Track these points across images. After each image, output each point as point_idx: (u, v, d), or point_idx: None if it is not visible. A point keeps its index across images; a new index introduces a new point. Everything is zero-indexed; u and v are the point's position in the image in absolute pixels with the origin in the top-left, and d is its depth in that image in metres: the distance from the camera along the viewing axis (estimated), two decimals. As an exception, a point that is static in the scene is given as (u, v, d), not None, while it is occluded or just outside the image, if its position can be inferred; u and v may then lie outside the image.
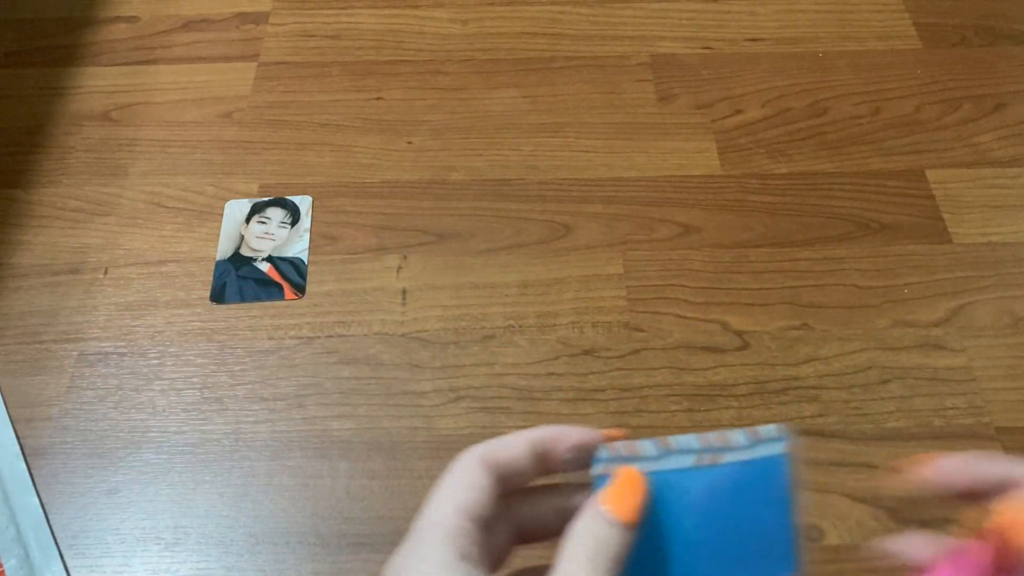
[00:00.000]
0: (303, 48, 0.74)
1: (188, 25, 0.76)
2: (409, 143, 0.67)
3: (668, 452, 0.27)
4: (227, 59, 0.73)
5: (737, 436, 0.27)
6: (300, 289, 0.59)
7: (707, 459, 0.27)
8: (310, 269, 0.60)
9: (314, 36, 0.75)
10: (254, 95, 0.70)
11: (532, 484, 0.28)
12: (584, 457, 0.27)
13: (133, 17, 0.76)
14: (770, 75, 0.71)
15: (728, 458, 0.27)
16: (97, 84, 0.71)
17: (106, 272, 0.60)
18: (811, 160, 0.65)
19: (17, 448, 0.52)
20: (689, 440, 0.27)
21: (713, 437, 0.27)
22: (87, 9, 0.77)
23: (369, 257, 0.60)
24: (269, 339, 0.56)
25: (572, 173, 0.65)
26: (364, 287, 0.59)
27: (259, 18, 0.76)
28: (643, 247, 0.60)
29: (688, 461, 0.27)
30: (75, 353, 0.56)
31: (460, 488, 0.26)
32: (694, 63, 0.72)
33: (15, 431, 0.53)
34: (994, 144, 0.66)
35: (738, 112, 0.68)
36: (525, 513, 0.28)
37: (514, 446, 0.27)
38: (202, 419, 0.53)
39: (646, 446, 0.27)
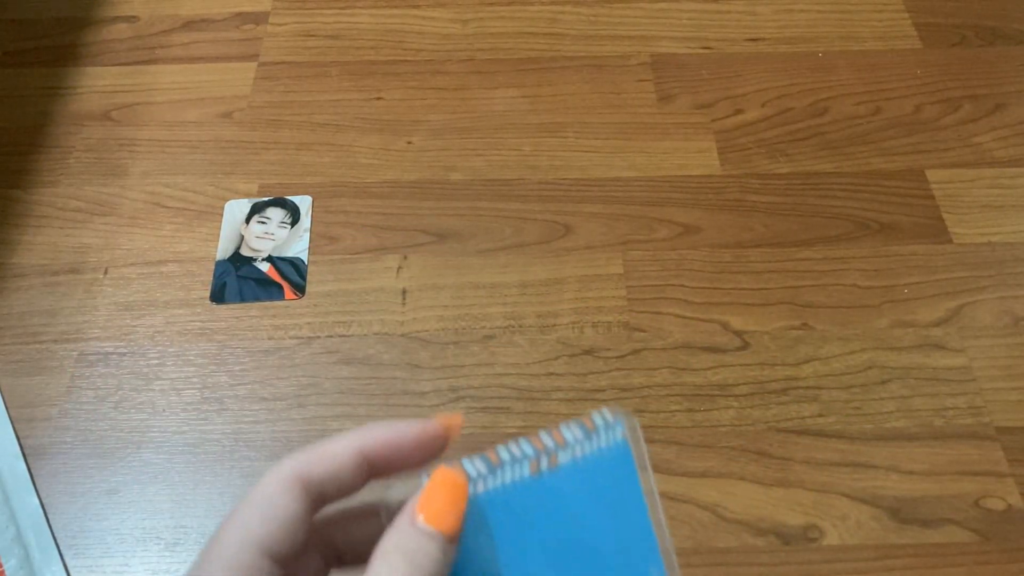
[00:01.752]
0: (303, 48, 0.74)
1: (188, 25, 0.76)
2: (409, 143, 0.67)
3: (498, 466, 0.24)
4: (227, 59, 0.73)
5: (571, 431, 0.24)
6: (300, 289, 0.59)
7: (544, 463, 0.24)
8: (310, 269, 0.60)
9: (314, 36, 0.75)
10: (254, 95, 0.70)
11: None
12: (422, 459, 0.24)
13: (133, 17, 0.76)
14: (770, 75, 0.71)
15: (565, 457, 0.24)
16: (97, 84, 0.71)
17: (106, 272, 0.60)
18: (811, 160, 0.65)
19: (17, 448, 0.52)
20: (521, 447, 0.24)
21: (547, 438, 0.24)
22: (87, 9, 0.77)
23: (369, 257, 0.60)
24: (269, 339, 0.56)
25: (572, 173, 0.65)
26: (364, 287, 0.59)
27: (259, 18, 0.76)
28: (643, 247, 0.60)
29: (524, 470, 0.24)
30: (75, 353, 0.56)
31: (258, 519, 0.22)
32: (694, 63, 0.72)
33: (15, 431, 0.53)
34: (994, 144, 0.66)
35: (738, 112, 0.68)
36: (341, 537, 0.25)
37: (336, 457, 0.23)
38: (202, 419, 0.53)
39: (474, 464, 0.24)
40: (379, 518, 0.23)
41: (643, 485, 0.24)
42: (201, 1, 0.77)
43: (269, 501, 0.22)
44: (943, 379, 0.54)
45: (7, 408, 0.54)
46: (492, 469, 0.24)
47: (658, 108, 0.69)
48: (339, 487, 0.23)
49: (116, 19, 0.76)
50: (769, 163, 0.65)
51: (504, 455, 0.24)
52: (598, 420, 0.25)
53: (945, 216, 0.62)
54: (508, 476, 0.24)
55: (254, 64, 0.72)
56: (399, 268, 0.60)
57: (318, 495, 0.22)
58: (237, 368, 0.55)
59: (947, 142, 0.66)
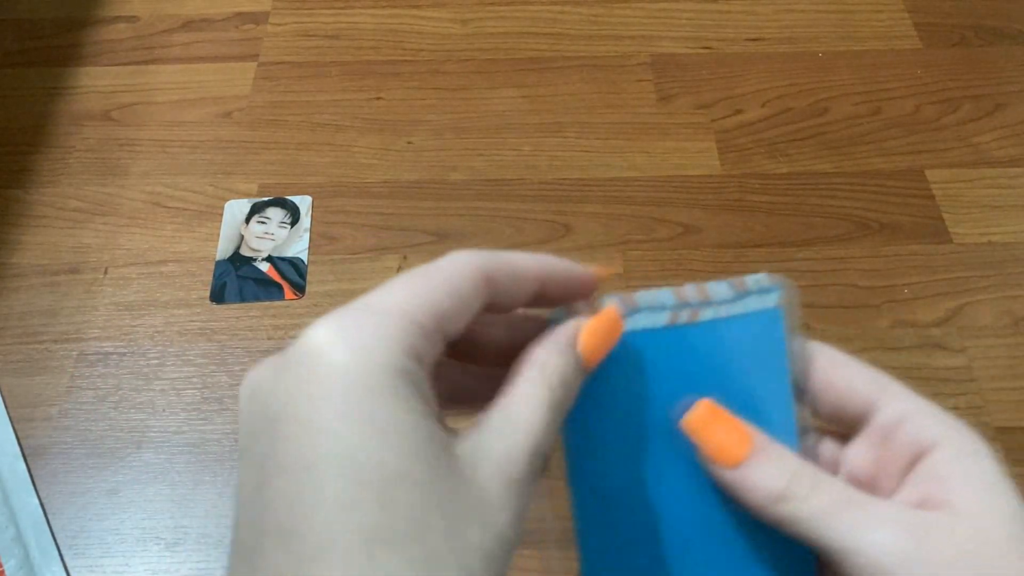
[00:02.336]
0: (303, 48, 0.74)
1: (188, 25, 0.76)
2: (409, 143, 0.67)
3: (635, 310, 0.23)
4: (227, 59, 0.73)
5: (719, 288, 0.23)
6: (300, 289, 0.59)
7: (684, 316, 0.23)
8: (310, 269, 0.60)
9: (314, 36, 0.75)
10: (254, 95, 0.70)
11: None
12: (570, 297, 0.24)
13: (133, 17, 0.76)
14: (770, 75, 0.71)
15: (709, 314, 0.23)
16: (97, 84, 0.71)
17: (106, 272, 0.60)
18: (811, 160, 0.65)
19: (17, 448, 0.52)
20: (662, 295, 0.23)
21: (691, 290, 0.23)
22: (87, 9, 0.77)
23: (369, 257, 0.60)
24: (269, 339, 0.56)
25: (572, 173, 0.65)
26: (364, 287, 0.58)
27: (259, 18, 0.76)
28: (643, 247, 0.60)
29: (661, 319, 0.23)
30: (75, 353, 0.56)
31: (445, 292, 0.20)
32: (694, 63, 0.72)
33: (15, 431, 0.53)
34: (994, 144, 0.66)
35: (738, 112, 0.68)
36: (456, 375, 0.24)
37: (519, 272, 0.22)
38: (202, 419, 0.53)
39: (611, 301, 0.23)
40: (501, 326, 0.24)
41: (790, 357, 0.23)
42: (201, 1, 0.77)
43: (455, 282, 0.21)
44: (943, 379, 0.54)
45: (7, 408, 0.53)
46: (628, 311, 0.23)
47: (658, 108, 0.69)
48: (508, 301, 0.22)
49: (116, 19, 0.76)
50: (769, 163, 0.65)
51: (642, 300, 0.23)
52: (751, 283, 0.23)
53: (945, 216, 0.62)
54: (642, 322, 0.23)
55: (254, 64, 0.72)
56: (399, 268, 0.60)
57: (490, 302, 0.22)
58: (237, 368, 0.55)
59: (947, 142, 0.66)
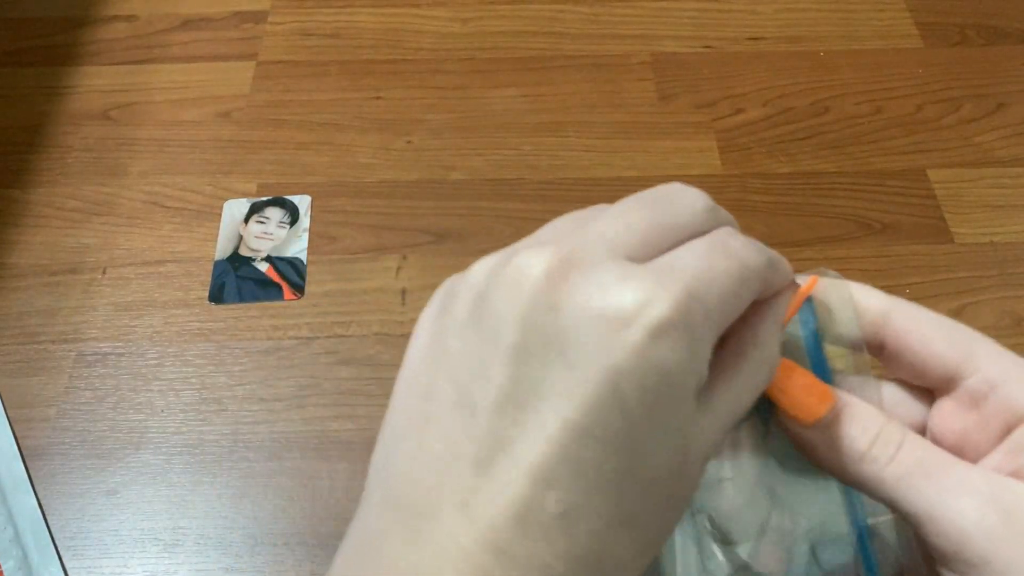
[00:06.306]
0: (302, 47, 0.73)
1: (187, 24, 0.75)
2: (408, 142, 0.67)
3: None
4: (226, 58, 0.73)
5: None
6: (299, 289, 0.58)
7: None
8: (309, 269, 0.59)
9: (313, 35, 0.74)
10: (253, 94, 0.70)
11: None
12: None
13: (131, 16, 0.76)
14: (771, 74, 0.70)
15: None
16: (95, 83, 0.71)
17: (104, 272, 0.60)
18: (812, 160, 0.65)
19: (15, 449, 0.52)
20: None
21: None
22: (85, 8, 0.77)
23: (368, 257, 0.60)
24: (268, 339, 0.56)
25: (572, 173, 0.64)
26: (363, 287, 0.59)
27: (258, 17, 0.76)
28: (643, 247, 0.60)
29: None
30: (73, 353, 0.56)
31: (741, 296, 0.21)
32: (695, 62, 0.71)
33: (13, 432, 0.52)
34: (996, 144, 0.65)
35: (739, 111, 0.68)
36: None
37: (784, 281, 0.24)
38: (201, 420, 0.53)
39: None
40: None
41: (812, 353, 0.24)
42: (200, 0, 0.77)
43: (746, 289, 0.22)
44: (945, 380, 0.53)
45: (5, 408, 0.53)
46: None
47: (659, 107, 0.68)
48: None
49: (114, 18, 0.76)
50: (770, 162, 0.65)
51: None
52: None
53: (947, 216, 0.61)
54: None
55: (253, 63, 0.72)
56: (399, 268, 0.60)
57: None
58: (236, 368, 0.55)
59: (949, 141, 0.66)
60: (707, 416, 0.20)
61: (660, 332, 0.18)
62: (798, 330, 0.24)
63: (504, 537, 0.17)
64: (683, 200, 0.23)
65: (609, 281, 0.19)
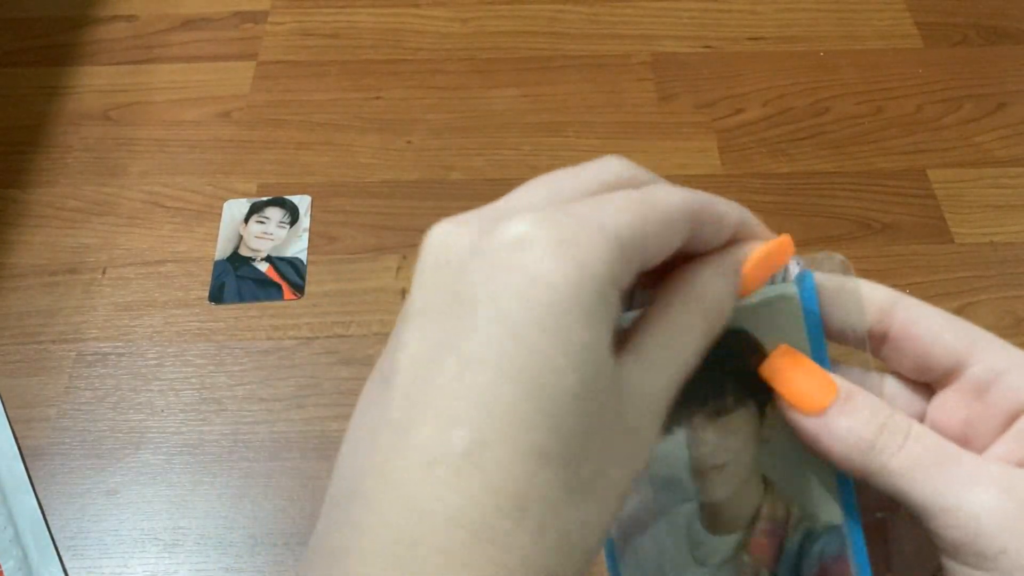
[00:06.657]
0: (302, 47, 0.73)
1: (187, 24, 0.75)
2: (408, 142, 0.67)
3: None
4: (226, 58, 0.73)
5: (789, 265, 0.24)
6: (299, 289, 0.58)
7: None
8: (309, 269, 0.59)
9: (313, 35, 0.74)
10: (253, 94, 0.70)
11: None
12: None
13: (132, 16, 0.76)
14: (771, 74, 0.70)
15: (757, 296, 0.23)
16: (95, 83, 0.71)
17: (104, 272, 0.60)
18: (812, 160, 0.65)
19: (15, 449, 0.52)
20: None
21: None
22: (85, 8, 0.77)
23: (368, 257, 0.60)
24: (268, 339, 0.56)
25: (572, 173, 0.64)
26: (363, 287, 0.59)
27: (258, 17, 0.76)
28: (644, 247, 0.60)
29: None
30: (73, 353, 0.56)
31: (655, 221, 0.19)
32: (695, 62, 0.71)
33: (13, 432, 0.52)
34: (996, 144, 0.65)
35: (739, 111, 0.68)
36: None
37: (727, 219, 0.22)
38: (201, 420, 0.53)
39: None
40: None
41: (812, 335, 0.23)
42: (200, 0, 0.77)
43: (667, 218, 0.20)
44: (945, 380, 0.53)
45: (5, 409, 0.53)
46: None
47: (659, 107, 0.68)
48: (701, 246, 0.22)
49: (114, 18, 0.76)
50: (770, 163, 0.65)
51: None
52: (793, 266, 0.24)
53: (947, 216, 0.61)
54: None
55: (253, 63, 0.72)
56: (399, 268, 0.60)
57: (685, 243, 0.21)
58: (236, 368, 0.55)
59: (949, 141, 0.66)
60: (642, 364, 0.19)
61: (531, 243, 0.18)
62: (800, 319, 0.23)
63: (418, 490, 0.17)
64: (608, 166, 0.22)
65: (503, 225, 0.19)
